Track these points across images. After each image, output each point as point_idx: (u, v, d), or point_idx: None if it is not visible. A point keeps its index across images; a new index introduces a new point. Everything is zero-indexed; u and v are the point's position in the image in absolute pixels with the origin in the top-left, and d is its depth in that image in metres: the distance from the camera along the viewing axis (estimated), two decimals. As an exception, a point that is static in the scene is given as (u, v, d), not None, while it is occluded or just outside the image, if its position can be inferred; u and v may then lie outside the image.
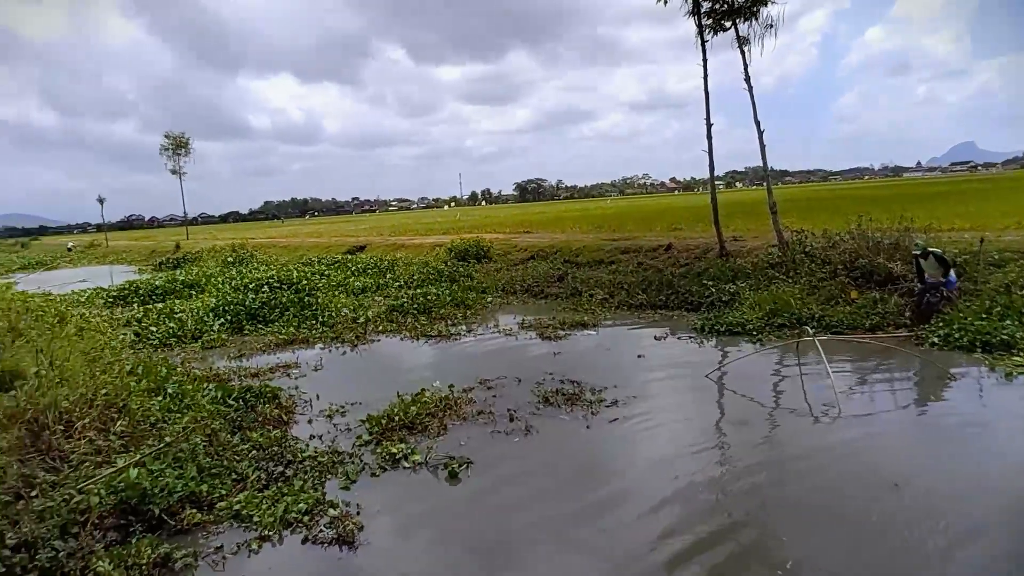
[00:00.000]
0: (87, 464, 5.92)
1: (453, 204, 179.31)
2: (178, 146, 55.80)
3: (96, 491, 5.40)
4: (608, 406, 8.29)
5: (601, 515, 5.66)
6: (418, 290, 18.42)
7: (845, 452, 6.67)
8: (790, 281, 13.69)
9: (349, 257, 26.82)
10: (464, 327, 14.13)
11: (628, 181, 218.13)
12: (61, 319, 11.11)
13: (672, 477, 6.24)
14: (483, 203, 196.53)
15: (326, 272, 22.69)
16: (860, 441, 6.93)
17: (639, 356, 10.87)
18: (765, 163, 15.84)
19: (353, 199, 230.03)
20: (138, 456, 6.03)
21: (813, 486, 5.98)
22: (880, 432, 7.17)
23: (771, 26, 15.49)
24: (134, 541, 5.12)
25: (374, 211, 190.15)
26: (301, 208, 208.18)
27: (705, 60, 16.13)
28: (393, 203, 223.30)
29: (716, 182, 18.01)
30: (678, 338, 12.01)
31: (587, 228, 27.34)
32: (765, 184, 16.56)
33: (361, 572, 5.01)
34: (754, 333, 11.61)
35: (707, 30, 16.06)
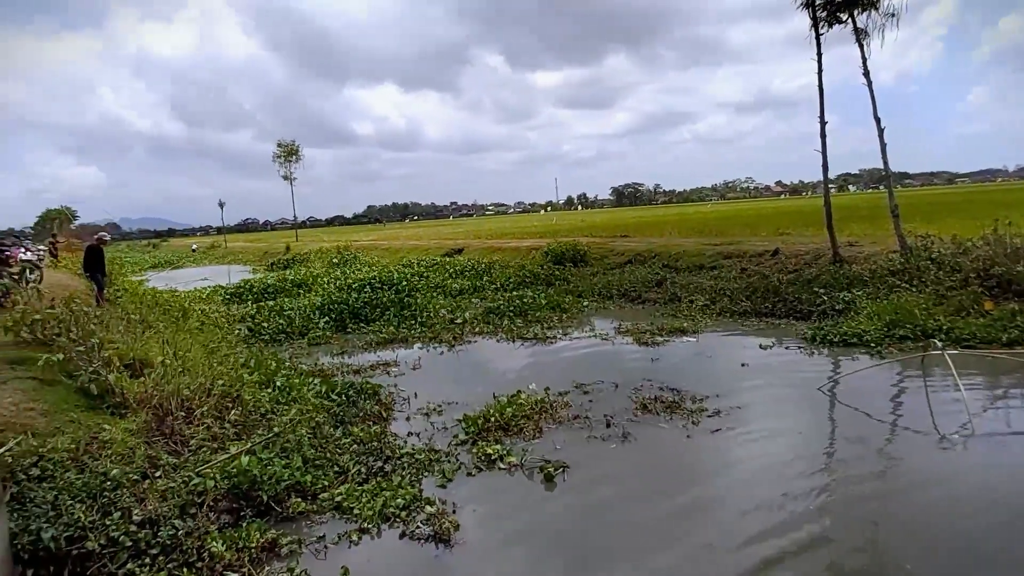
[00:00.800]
0: (204, 449, 6.29)
1: (549, 208, 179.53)
2: (289, 153, 59.19)
3: (212, 475, 5.71)
4: (710, 416, 7.94)
5: (699, 529, 5.41)
6: (514, 293, 18.53)
7: (977, 477, 6.05)
8: (914, 290, 12.65)
9: (447, 259, 27.37)
10: (560, 330, 14.04)
11: (730, 185, 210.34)
12: (184, 313, 11.94)
13: (780, 494, 5.86)
14: (579, 207, 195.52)
15: (425, 274, 23.27)
16: (995, 466, 6.26)
17: (743, 365, 10.38)
18: (886, 161, 14.77)
19: (451, 203, 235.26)
20: (249, 444, 6.33)
21: (938, 512, 5.45)
22: (1018, 457, 6.45)
23: (893, 15, 14.43)
24: (244, 525, 5.37)
25: (471, 215, 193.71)
26: (402, 212, 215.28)
27: (820, 54, 15.26)
28: (490, 207, 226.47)
29: (828, 185, 16.97)
30: (786, 348, 11.37)
31: (687, 232, 26.54)
32: (886, 184, 15.43)
33: (456, 570, 5.01)
34: (872, 345, 10.79)
35: (822, 23, 15.17)
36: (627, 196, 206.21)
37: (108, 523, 4.95)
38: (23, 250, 16.27)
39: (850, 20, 14.83)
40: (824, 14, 15.06)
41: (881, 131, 14.63)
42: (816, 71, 15.42)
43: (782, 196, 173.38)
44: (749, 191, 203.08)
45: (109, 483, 5.23)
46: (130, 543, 4.89)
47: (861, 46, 14.62)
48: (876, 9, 14.52)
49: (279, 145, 59.99)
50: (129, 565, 4.77)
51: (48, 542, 4.68)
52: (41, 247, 24.21)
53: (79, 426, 5.94)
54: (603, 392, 9.22)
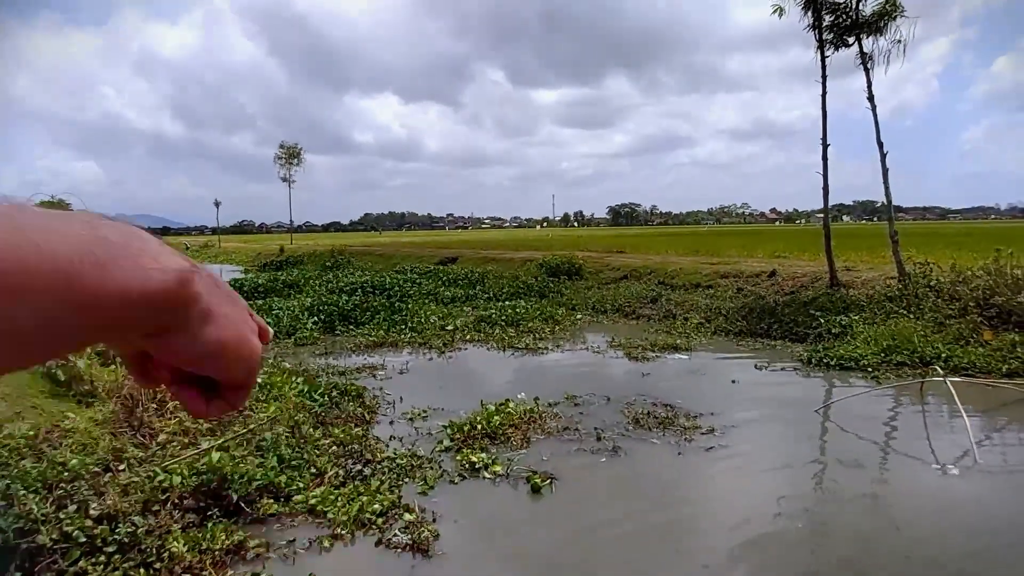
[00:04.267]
0: (174, 444, 5.98)
1: (545, 224, 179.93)
2: (291, 156, 59.01)
3: (179, 471, 5.40)
4: (704, 433, 7.67)
5: (688, 546, 5.14)
6: (507, 303, 18.28)
7: (978, 508, 5.80)
8: (912, 317, 12.46)
9: (441, 268, 27.11)
10: (552, 342, 13.77)
11: (726, 209, 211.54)
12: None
13: (773, 514, 5.62)
14: (575, 225, 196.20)
15: (418, 281, 22.98)
16: (997, 498, 6.02)
17: (733, 381, 10.17)
18: (887, 187, 14.61)
19: (448, 215, 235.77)
20: (221, 440, 6.03)
21: (934, 540, 5.19)
22: (1021, 490, 6.22)
23: (899, 42, 14.37)
24: (210, 525, 5.05)
25: (467, 227, 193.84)
26: (399, 221, 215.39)
27: (824, 76, 15.17)
28: (486, 221, 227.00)
29: (821, 215, 16.83)
30: (781, 369, 11.14)
31: (683, 251, 26.40)
32: (886, 209, 15.25)
33: (434, 583, 4.72)
34: (869, 370, 10.57)
35: (828, 45, 15.10)
36: (623, 215, 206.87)
37: (63, 516, 4.64)
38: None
39: (856, 44, 14.75)
40: (831, 36, 14.98)
41: (884, 156, 14.52)
42: (821, 93, 15.33)
43: (776, 223, 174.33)
44: (744, 216, 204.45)
45: (67, 474, 4.91)
46: (84, 539, 4.57)
47: (867, 70, 14.54)
48: (883, 34, 14.45)
49: (281, 146, 59.93)
50: (82, 563, 4.45)
51: (-5, 534, 4.36)
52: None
53: (41, 413, 5.63)
54: (594, 405, 8.95)
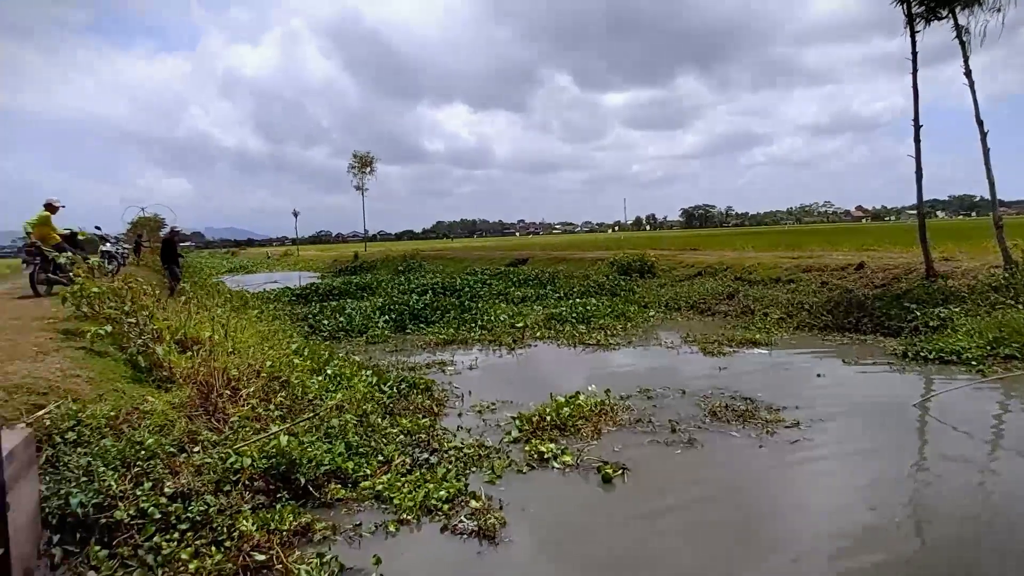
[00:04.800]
0: (246, 428, 6.06)
1: (616, 228, 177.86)
2: (363, 164, 60.68)
3: (249, 453, 5.45)
4: (787, 427, 7.20)
5: (767, 541, 4.76)
6: (577, 300, 18.01)
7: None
8: (1020, 307, 11.41)
9: (511, 269, 27.08)
10: (623, 338, 13.41)
11: (806, 208, 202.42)
12: (245, 303, 12.00)
13: (868, 508, 5.17)
14: (647, 228, 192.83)
15: (488, 282, 23.02)
16: None
17: (818, 375, 9.60)
18: (988, 167, 13.44)
19: (519, 221, 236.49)
20: (289, 425, 6.07)
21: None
22: None
23: (999, 11, 13.24)
24: (279, 507, 5.07)
25: (538, 233, 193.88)
26: (470, 229, 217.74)
27: (915, 52, 14.16)
28: (557, 226, 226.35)
29: (912, 211, 15.71)
30: (872, 364, 10.39)
31: (762, 246, 25.35)
32: (989, 193, 14.06)
33: (500, 568, 4.54)
34: (974, 363, 9.70)
35: (918, 19, 14.11)
36: (697, 218, 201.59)
37: (139, 493, 4.75)
38: (106, 244, 16.97)
39: (951, 17, 13.72)
40: (921, 9, 13.99)
41: (984, 135, 13.41)
42: (911, 71, 14.31)
43: (863, 221, 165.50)
44: (827, 215, 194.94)
45: (144, 452, 5.03)
46: (159, 516, 4.65)
47: (963, 44, 13.48)
48: (980, 4, 13.37)
49: (354, 155, 61.75)
50: (156, 538, 4.53)
51: (76, 508, 4.48)
52: (126, 245, 25.41)
53: (122, 395, 5.82)
54: (668, 398, 8.59)
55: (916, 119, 14.26)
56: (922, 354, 10.36)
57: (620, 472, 6.01)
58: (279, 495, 5.37)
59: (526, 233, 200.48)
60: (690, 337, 12.96)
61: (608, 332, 14.02)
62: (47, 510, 4.49)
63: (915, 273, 14.69)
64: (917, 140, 14.28)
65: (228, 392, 6.49)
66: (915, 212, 15.09)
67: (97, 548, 4.40)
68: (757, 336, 12.63)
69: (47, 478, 4.64)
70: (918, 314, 12.32)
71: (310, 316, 16.46)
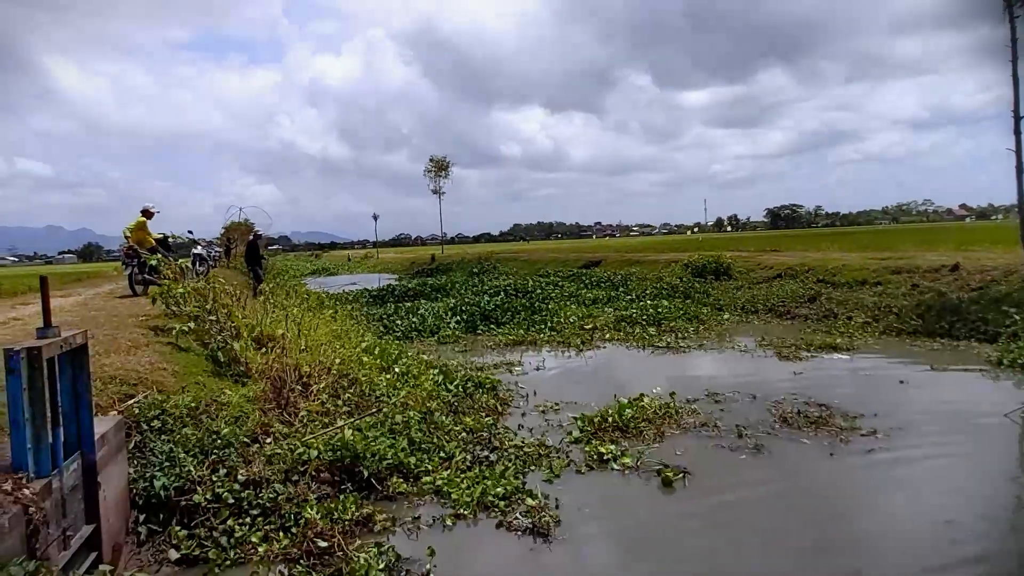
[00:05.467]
0: (315, 422, 6.35)
1: (696, 230, 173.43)
2: (440, 168, 61.90)
3: (316, 446, 5.71)
4: (863, 435, 6.87)
5: (827, 553, 4.56)
6: (649, 303, 17.74)
7: None
8: None
9: (584, 271, 26.97)
10: (694, 341, 13.12)
11: (904, 207, 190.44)
12: (321, 303, 12.51)
13: (943, 521, 4.87)
14: (728, 229, 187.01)
15: (560, 283, 23.01)
16: None
17: (901, 382, 9.10)
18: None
19: (595, 223, 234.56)
20: (354, 420, 6.30)
21: None
22: None
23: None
24: (342, 497, 5.28)
25: (615, 235, 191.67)
26: (546, 231, 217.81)
27: (1014, 40, 13.16)
28: (634, 228, 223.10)
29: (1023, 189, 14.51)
30: (965, 370, 9.75)
31: (848, 247, 24.16)
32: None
33: (552, 566, 4.57)
34: (1079, 372, 8.95)
35: (1017, 4, 13.11)
36: (783, 218, 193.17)
37: (215, 479, 5.07)
38: (198, 247, 18.05)
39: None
40: (1022, -10, 12.98)
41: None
42: (1011, 59, 13.31)
43: (966, 219, 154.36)
44: (927, 214, 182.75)
45: (220, 441, 5.36)
46: (233, 501, 4.96)
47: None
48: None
49: (431, 160, 63.07)
50: (230, 522, 4.83)
51: (159, 490, 4.84)
52: (217, 248, 26.96)
53: (202, 388, 6.21)
54: (737, 403, 8.37)
55: (1016, 110, 13.24)
56: (1020, 361, 9.63)
57: (681, 476, 5.92)
58: (343, 486, 5.60)
59: (602, 235, 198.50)
60: (765, 341, 12.54)
61: (679, 335, 13.76)
62: (134, 491, 4.87)
63: (1016, 275, 13.63)
64: (1017, 132, 13.25)
65: (299, 387, 6.81)
66: (1018, 199, 13.94)
67: (178, 528, 4.74)
68: (838, 341, 12.07)
69: (135, 462, 5.02)
70: (1017, 319, 11.42)
71: (385, 317, 16.98)
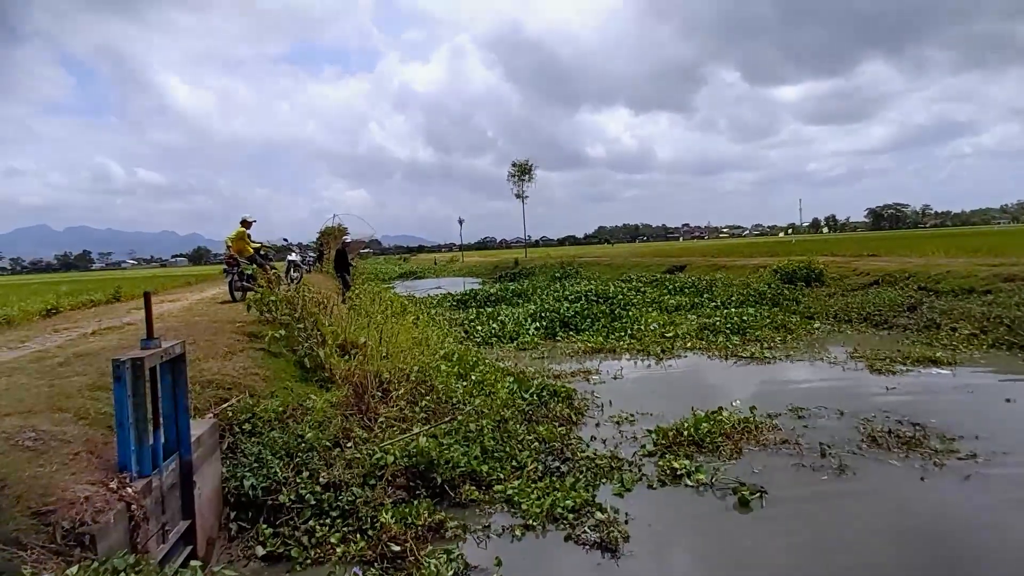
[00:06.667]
0: (393, 428, 6.60)
1: (790, 231, 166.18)
2: (523, 172, 62.33)
3: (393, 452, 5.94)
4: (961, 459, 6.44)
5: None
6: (734, 310, 17.23)
7: None
8: None
9: (667, 276, 26.49)
10: (781, 352, 12.64)
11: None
12: (404, 309, 12.92)
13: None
14: (825, 230, 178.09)
15: (642, 289, 22.70)
16: None
17: (1007, 400, 8.46)
18: None
19: (683, 225, 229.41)
20: (429, 427, 6.51)
21: None
22: None
23: None
24: (416, 503, 5.48)
25: (703, 237, 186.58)
26: (632, 233, 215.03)
27: None
28: (724, 230, 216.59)
29: None
30: (1084, 390, 8.94)
31: (955, 251, 22.55)
32: None
33: (617, 583, 4.58)
34: None
35: None
36: (887, 218, 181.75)
37: (299, 481, 5.38)
38: (292, 254, 19.02)
39: None
40: None
41: None
42: None
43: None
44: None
45: (304, 445, 5.68)
46: (314, 502, 5.26)
47: None
48: None
49: (513, 164, 63.62)
50: (312, 522, 5.12)
51: (248, 490, 5.20)
52: (312, 253, 28.28)
53: (290, 393, 6.60)
54: (822, 419, 8.02)
55: None
56: None
57: (757, 495, 5.76)
58: (417, 492, 5.80)
59: (690, 237, 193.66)
60: (858, 353, 11.92)
61: (765, 344, 13.30)
62: (227, 490, 5.25)
63: None
64: None
65: (380, 393, 7.11)
66: None
67: (264, 526, 5.07)
68: (939, 354, 11.31)
69: (227, 462, 5.41)
70: None
71: (466, 322, 17.33)
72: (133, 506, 3.60)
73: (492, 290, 25.10)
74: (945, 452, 6.61)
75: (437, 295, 25.67)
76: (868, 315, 15.83)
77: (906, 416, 7.85)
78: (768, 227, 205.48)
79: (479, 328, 16.18)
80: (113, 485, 3.63)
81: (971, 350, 11.87)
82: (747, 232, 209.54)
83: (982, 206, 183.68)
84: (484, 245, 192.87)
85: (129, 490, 3.66)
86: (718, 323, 15.25)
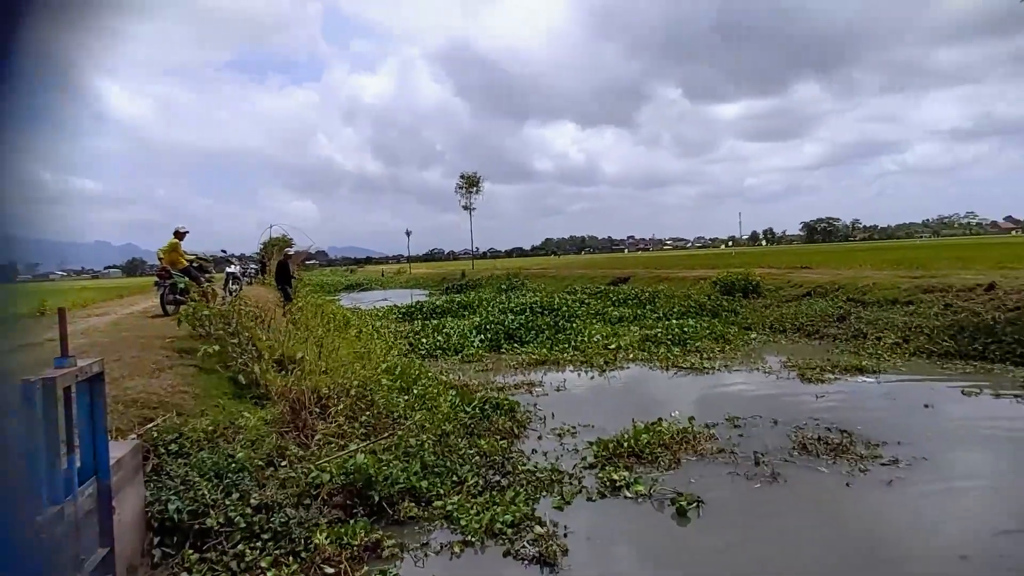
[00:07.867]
0: (331, 445, 6.45)
1: (731, 244, 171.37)
2: (471, 184, 62.53)
3: (329, 469, 5.80)
4: (884, 464, 6.71)
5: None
6: (675, 322, 17.60)
7: None
8: None
9: (611, 288, 26.87)
10: (720, 362, 12.97)
11: (946, 221, 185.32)
12: (346, 323, 12.70)
13: (957, 556, 4.75)
14: (763, 243, 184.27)
15: (586, 301, 22.94)
16: None
17: (925, 406, 8.86)
18: None
19: (628, 237, 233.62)
20: (368, 443, 6.39)
21: None
22: None
23: None
24: (352, 522, 5.35)
25: (648, 249, 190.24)
26: (579, 245, 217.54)
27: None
28: (668, 242, 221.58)
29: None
30: (997, 396, 9.46)
31: (880, 264, 23.66)
32: None
33: (554, 598, 4.57)
34: (1120, 398, 8.62)
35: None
36: (820, 232, 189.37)
37: (228, 503, 5.18)
38: (231, 265, 18.48)
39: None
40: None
41: None
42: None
43: (1012, 233, 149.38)
44: (970, 228, 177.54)
45: (235, 465, 5.49)
46: (244, 525, 5.06)
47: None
48: None
49: (462, 176, 63.84)
50: (241, 546, 4.93)
51: (173, 513, 4.97)
52: (253, 265, 27.54)
53: (222, 411, 6.38)
54: (757, 427, 8.24)
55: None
56: (1057, 387, 9.31)
57: (695, 505, 5.85)
58: (355, 511, 5.67)
59: (635, 249, 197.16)
60: (791, 362, 12.34)
61: (704, 355, 13.61)
62: (150, 514, 5.00)
63: (1057, 295, 13.22)
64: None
65: (318, 409, 6.94)
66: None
67: (190, 552, 4.85)
68: (865, 363, 11.81)
69: (151, 485, 5.16)
70: (1056, 341, 11.07)
71: (411, 334, 17.16)
72: (43, 535, 3.39)
73: (438, 302, 24.95)
74: (870, 458, 6.87)
75: (383, 307, 25.37)
76: (801, 325, 16.41)
77: (834, 423, 8.15)
78: (710, 239, 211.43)
79: (424, 340, 16.04)
80: (20, 514, 3.41)
81: (894, 358, 12.43)
82: (690, 244, 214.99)
83: (907, 220, 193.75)
84: (432, 257, 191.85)
85: (38, 519, 3.44)
86: (660, 334, 15.53)
